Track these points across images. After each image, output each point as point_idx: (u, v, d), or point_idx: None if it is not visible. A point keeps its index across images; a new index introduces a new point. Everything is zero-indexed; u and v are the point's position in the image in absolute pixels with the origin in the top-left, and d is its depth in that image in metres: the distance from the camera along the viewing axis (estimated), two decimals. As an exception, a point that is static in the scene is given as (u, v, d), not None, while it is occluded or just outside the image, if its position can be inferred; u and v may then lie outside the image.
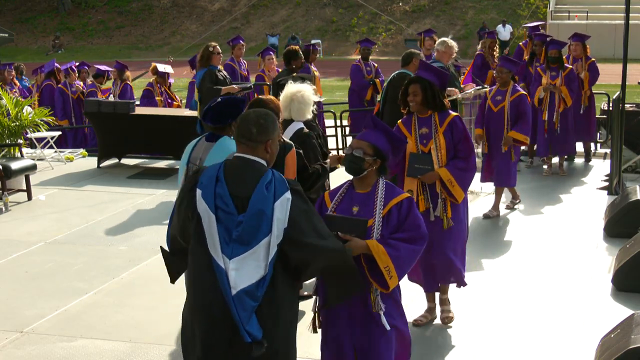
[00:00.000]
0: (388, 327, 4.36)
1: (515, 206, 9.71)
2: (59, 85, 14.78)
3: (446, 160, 6.16)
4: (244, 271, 3.80)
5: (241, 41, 14.65)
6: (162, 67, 13.98)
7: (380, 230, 4.37)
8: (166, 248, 4.39)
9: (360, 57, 14.30)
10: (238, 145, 4.01)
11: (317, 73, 13.18)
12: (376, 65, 14.32)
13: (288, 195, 3.86)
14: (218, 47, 10.42)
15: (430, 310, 6.43)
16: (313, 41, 35.52)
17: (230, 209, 3.84)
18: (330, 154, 6.63)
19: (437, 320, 6.41)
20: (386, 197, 4.44)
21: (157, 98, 13.81)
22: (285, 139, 5.89)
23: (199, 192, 3.89)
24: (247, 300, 3.78)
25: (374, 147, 4.49)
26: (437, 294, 6.45)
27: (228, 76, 10.78)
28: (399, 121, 6.35)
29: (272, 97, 5.95)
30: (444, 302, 6.45)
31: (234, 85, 10.52)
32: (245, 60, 14.66)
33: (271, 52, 14.50)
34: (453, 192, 6.11)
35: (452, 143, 6.19)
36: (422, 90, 6.13)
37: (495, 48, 13.14)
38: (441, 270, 6.26)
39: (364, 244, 4.28)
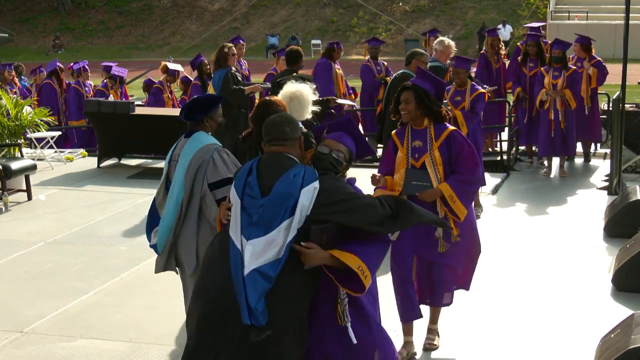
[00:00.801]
0: (355, 341, 4.16)
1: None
2: (73, 85, 14.72)
3: (444, 177, 5.62)
4: (259, 252, 3.92)
5: (241, 41, 14.63)
6: (172, 66, 14.00)
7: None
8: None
9: (369, 56, 14.26)
10: (270, 147, 4.23)
11: (340, 71, 13.15)
12: (386, 64, 14.29)
13: (316, 184, 4.03)
14: (233, 47, 10.54)
15: (407, 344, 5.78)
16: (313, 41, 35.62)
17: (255, 194, 4.04)
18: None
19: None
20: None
21: (165, 95, 13.81)
22: None
23: (233, 183, 4.20)
24: (260, 280, 3.89)
25: (350, 154, 4.44)
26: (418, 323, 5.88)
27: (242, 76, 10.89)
28: (393, 133, 5.86)
29: (279, 98, 5.96)
30: (432, 331, 5.94)
31: (258, 85, 10.71)
32: (244, 60, 14.65)
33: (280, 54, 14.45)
34: (454, 208, 5.55)
35: (449, 159, 5.64)
36: (416, 98, 5.63)
37: (499, 46, 13.02)
38: (437, 289, 5.78)
39: (327, 254, 4.05)
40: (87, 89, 14.80)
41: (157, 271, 5.67)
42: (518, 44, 13.81)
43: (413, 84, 5.70)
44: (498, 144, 13.33)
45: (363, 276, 4.08)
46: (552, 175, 11.45)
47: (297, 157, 4.22)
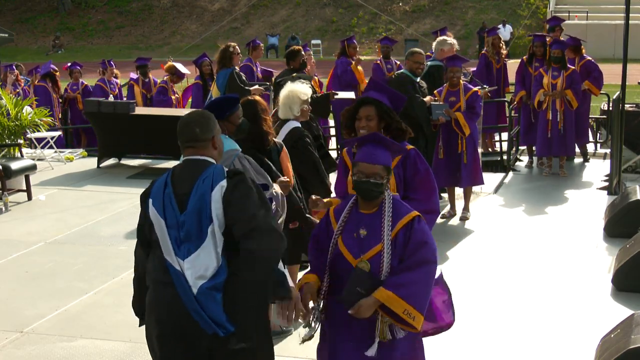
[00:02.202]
0: (372, 354, 4.02)
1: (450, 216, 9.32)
2: (97, 83, 14.68)
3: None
4: (199, 267, 3.84)
5: (260, 43, 14.59)
6: (182, 68, 13.97)
7: (390, 258, 4.00)
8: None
9: (381, 55, 14.23)
10: (185, 150, 4.08)
11: (360, 68, 13.13)
12: (398, 63, 14.27)
13: (224, 182, 3.89)
14: (237, 47, 10.55)
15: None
16: (313, 41, 35.61)
17: (175, 209, 3.91)
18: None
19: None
20: (394, 218, 4.06)
21: (172, 96, 13.80)
22: (276, 140, 5.89)
23: (150, 201, 3.98)
24: (213, 293, 3.83)
25: (388, 169, 4.15)
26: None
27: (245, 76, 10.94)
28: (344, 150, 5.27)
29: (259, 97, 5.95)
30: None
31: (259, 87, 10.74)
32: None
33: (308, 49, 14.39)
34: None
35: (404, 181, 5.03)
36: (378, 114, 4.97)
37: (500, 46, 12.95)
38: None
39: (372, 300, 3.93)
40: (112, 86, 14.77)
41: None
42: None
43: (374, 99, 5.01)
44: (497, 144, 13.33)
45: (411, 319, 3.96)
46: (551, 175, 11.44)
47: (213, 157, 4.06)
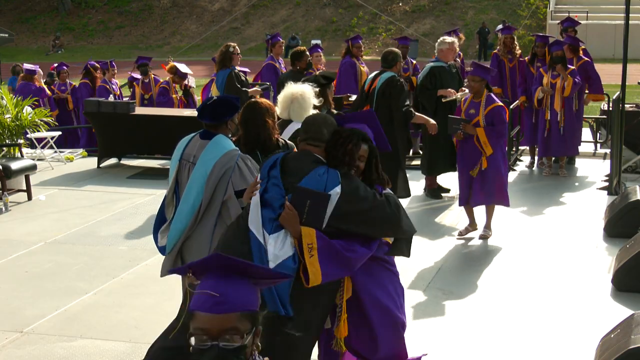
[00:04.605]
0: None
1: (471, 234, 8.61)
2: (101, 83, 14.69)
3: None
4: (280, 246, 4.00)
5: (280, 39, 14.51)
6: (183, 68, 13.96)
7: None
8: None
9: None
10: (305, 146, 4.28)
11: (364, 69, 13.06)
12: (414, 62, 14.21)
13: (338, 189, 4.08)
14: (237, 47, 10.53)
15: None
16: (313, 41, 35.58)
17: (280, 189, 4.11)
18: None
19: (435, 322, 6.41)
20: None
21: (173, 96, 13.79)
22: (285, 139, 5.87)
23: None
24: (285, 272, 3.90)
25: (249, 314, 3.51)
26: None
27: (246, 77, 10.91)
28: None
29: (264, 99, 5.91)
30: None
31: (257, 88, 10.70)
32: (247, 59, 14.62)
33: (319, 50, 14.37)
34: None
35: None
36: (369, 157, 4.46)
37: (514, 45, 12.65)
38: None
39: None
40: (114, 86, 14.76)
41: (163, 274, 5.51)
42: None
43: (369, 138, 4.49)
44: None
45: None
46: (551, 175, 11.43)
47: (326, 158, 4.28)
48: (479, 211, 8.59)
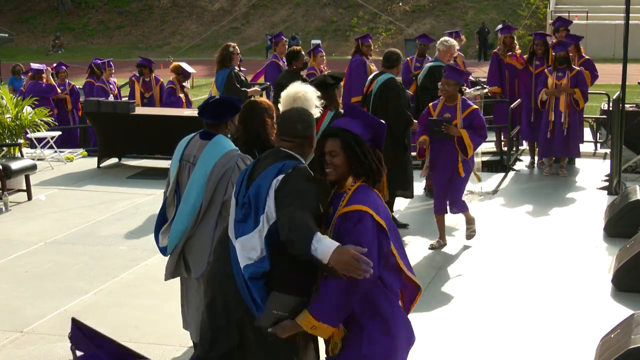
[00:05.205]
0: None
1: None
2: (98, 84, 14.67)
3: None
4: (246, 249, 3.93)
5: (283, 37, 14.38)
6: (187, 67, 13.95)
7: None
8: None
9: (417, 54, 13.95)
10: (279, 142, 4.15)
11: (374, 67, 13.00)
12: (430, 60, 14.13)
13: (279, 177, 3.94)
14: (237, 47, 10.53)
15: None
16: (313, 41, 35.59)
17: (243, 190, 4.05)
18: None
19: (435, 322, 6.41)
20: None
21: (180, 95, 13.79)
22: None
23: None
24: (252, 273, 3.91)
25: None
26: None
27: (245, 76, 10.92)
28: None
29: (264, 98, 5.90)
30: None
31: (257, 88, 10.68)
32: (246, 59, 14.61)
33: (321, 50, 14.34)
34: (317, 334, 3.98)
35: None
36: (344, 148, 3.95)
37: (514, 45, 12.61)
38: None
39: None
40: (111, 86, 14.75)
41: (167, 278, 5.50)
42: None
43: (339, 129, 4.01)
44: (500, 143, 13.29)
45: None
46: (551, 175, 11.43)
47: (305, 155, 4.13)
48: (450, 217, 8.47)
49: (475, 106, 8.15)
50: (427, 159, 8.18)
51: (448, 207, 8.21)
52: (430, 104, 8.17)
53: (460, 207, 8.20)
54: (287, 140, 4.10)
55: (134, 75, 14.69)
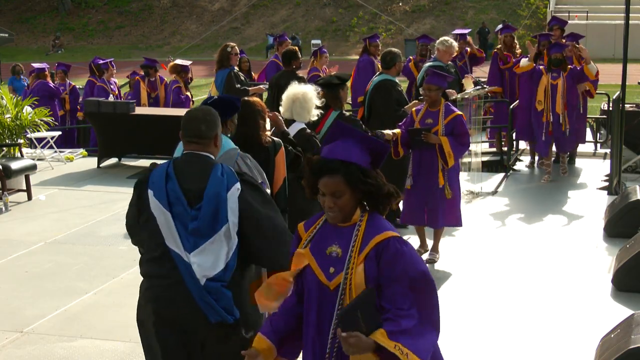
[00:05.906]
0: None
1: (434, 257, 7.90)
2: (99, 83, 14.66)
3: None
4: (207, 262, 3.85)
5: (287, 38, 14.38)
6: (181, 62, 13.92)
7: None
8: None
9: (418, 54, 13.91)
10: (187, 144, 4.07)
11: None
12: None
13: (238, 185, 3.92)
14: (236, 47, 10.53)
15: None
16: (313, 41, 35.60)
17: (183, 203, 3.89)
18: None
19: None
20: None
21: (187, 94, 13.78)
22: (274, 138, 5.87)
23: (150, 192, 3.93)
24: (216, 284, 3.85)
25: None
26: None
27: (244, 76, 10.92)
28: (300, 225, 3.55)
29: (257, 98, 5.92)
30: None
31: (261, 86, 10.68)
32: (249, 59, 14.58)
33: (325, 51, 14.33)
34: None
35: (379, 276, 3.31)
36: (349, 183, 3.30)
37: (514, 44, 12.62)
38: None
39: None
40: (112, 86, 14.75)
41: None
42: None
43: (340, 162, 3.30)
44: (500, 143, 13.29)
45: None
46: (552, 175, 11.42)
47: (213, 155, 4.08)
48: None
49: (459, 112, 7.81)
50: (410, 168, 7.84)
51: (426, 219, 7.78)
52: (414, 109, 7.86)
53: (444, 222, 7.76)
54: (194, 142, 4.04)
55: (136, 75, 14.68)
